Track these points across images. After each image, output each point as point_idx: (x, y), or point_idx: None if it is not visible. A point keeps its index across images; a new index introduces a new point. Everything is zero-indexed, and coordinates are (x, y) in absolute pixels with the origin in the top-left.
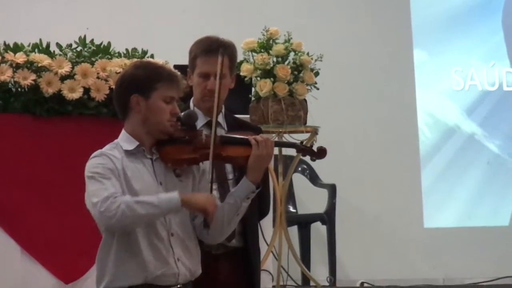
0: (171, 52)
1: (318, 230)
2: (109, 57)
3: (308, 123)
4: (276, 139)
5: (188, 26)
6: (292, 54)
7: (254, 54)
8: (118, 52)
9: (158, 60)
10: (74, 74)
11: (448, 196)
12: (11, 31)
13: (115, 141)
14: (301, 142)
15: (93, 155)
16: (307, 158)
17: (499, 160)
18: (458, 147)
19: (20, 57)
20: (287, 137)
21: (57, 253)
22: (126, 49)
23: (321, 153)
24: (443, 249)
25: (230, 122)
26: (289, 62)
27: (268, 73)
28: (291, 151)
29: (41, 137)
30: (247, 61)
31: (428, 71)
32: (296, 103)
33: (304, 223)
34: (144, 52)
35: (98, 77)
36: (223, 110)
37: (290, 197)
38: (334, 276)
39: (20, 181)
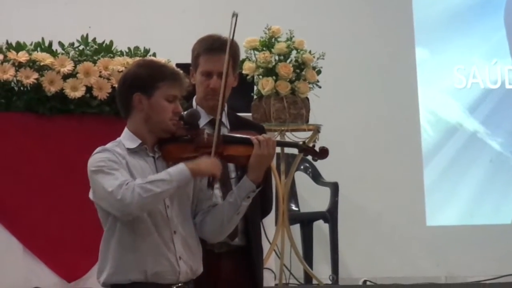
0: (173, 51)
1: (321, 228)
2: (111, 55)
3: (310, 121)
4: (278, 137)
5: (190, 24)
6: (294, 52)
7: (256, 52)
8: (120, 51)
9: (161, 58)
10: (77, 73)
11: (450, 194)
12: (14, 30)
13: (118, 139)
14: (303, 142)
15: (95, 151)
16: (309, 157)
17: (502, 158)
18: (460, 145)
19: (22, 56)
20: (289, 135)
21: (60, 251)
22: (128, 48)
23: (323, 153)
24: (445, 247)
25: (232, 121)
26: (291, 60)
27: (270, 72)
28: (294, 149)
29: (44, 136)
30: (249, 60)
31: (430, 69)
32: (298, 101)
33: (306, 221)
34: (146, 51)
35: (100, 76)
36: (226, 108)
37: (293, 195)
38: (336, 274)
39: (22, 179)
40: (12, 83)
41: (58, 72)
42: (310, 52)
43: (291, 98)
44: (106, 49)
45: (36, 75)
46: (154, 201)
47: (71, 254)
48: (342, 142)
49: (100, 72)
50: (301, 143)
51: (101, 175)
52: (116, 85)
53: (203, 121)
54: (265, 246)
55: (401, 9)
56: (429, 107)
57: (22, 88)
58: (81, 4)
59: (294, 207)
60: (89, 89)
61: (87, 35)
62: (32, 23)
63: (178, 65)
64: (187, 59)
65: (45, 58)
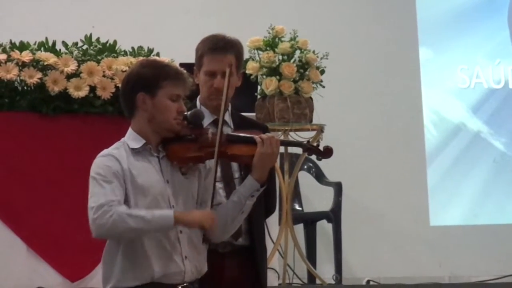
0: (177, 50)
1: (324, 228)
2: (115, 55)
3: (314, 121)
4: (282, 137)
5: (193, 24)
6: (298, 52)
7: (260, 52)
8: (124, 51)
9: (164, 58)
10: (80, 73)
11: (454, 194)
12: (17, 30)
13: (122, 139)
14: (308, 141)
15: (99, 154)
16: (313, 157)
17: (505, 158)
18: (464, 145)
19: (26, 56)
20: (292, 135)
21: (63, 251)
22: (132, 48)
23: (328, 152)
24: (449, 247)
25: (236, 120)
26: (295, 60)
27: (274, 71)
28: (297, 149)
29: (47, 136)
30: (253, 59)
31: (434, 69)
32: (302, 101)
33: (310, 221)
34: (150, 50)
35: (104, 76)
36: (229, 108)
37: (296, 195)
38: (340, 274)
39: (26, 179)
40: (16, 82)
41: (62, 71)
42: (313, 51)
43: (294, 98)
44: (110, 49)
45: (39, 75)
46: (126, 233)
47: (75, 254)
48: (345, 142)
49: (104, 71)
50: (305, 142)
51: (93, 184)
52: (119, 85)
53: (206, 120)
54: (269, 246)
55: (404, 9)
56: (432, 107)
57: (25, 88)
58: (85, 4)
59: (297, 207)
60: (92, 88)
61: (90, 34)
62: (36, 23)
63: (181, 64)
64: (191, 58)
65: (49, 58)
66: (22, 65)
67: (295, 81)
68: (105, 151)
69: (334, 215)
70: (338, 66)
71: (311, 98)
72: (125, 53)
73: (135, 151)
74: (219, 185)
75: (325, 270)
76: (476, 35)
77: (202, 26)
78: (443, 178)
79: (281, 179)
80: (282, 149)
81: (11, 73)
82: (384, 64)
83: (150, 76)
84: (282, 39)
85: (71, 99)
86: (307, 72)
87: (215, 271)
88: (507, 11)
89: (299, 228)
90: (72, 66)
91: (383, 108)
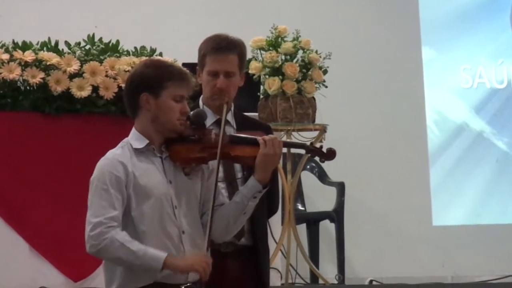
0: (179, 50)
1: (327, 228)
2: (118, 55)
3: (317, 121)
4: (285, 137)
5: (196, 24)
6: (300, 52)
7: (262, 52)
8: (127, 50)
9: (167, 58)
10: (83, 72)
11: (456, 194)
12: (20, 30)
13: (125, 139)
14: (311, 143)
15: (105, 156)
16: (316, 158)
17: (508, 158)
18: (466, 145)
19: (28, 56)
20: (295, 135)
21: (66, 251)
22: (135, 47)
23: (331, 154)
24: (451, 247)
25: (239, 120)
26: (297, 60)
27: (276, 71)
28: (300, 150)
29: (50, 135)
30: (256, 59)
31: (437, 69)
32: (304, 101)
33: (312, 221)
34: (153, 50)
35: (106, 75)
36: (232, 108)
37: (299, 195)
38: (342, 274)
39: (28, 179)
40: (18, 82)
41: (65, 71)
42: (316, 51)
43: (297, 98)
44: (113, 49)
45: (42, 75)
46: (113, 261)
47: (77, 253)
48: (348, 142)
49: (107, 71)
50: (308, 144)
51: (93, 190)
52: (122, 85)
53: (209, 121)
54: (271, 245)
55: (407, 9)
56: (435, 106)
57: (28, 88)
58: (88, 4)
59: (300, 207)
60: (95, 88)
61: (93, 34)
62: (39, 23)
63: (184, 64)
64: (194, 58)
65: (51, 58)
66: (25, 65)
67: (298, 81)
68: (109, 154)
69: (336, 215)
70: (340, 66)
71: (313, 98)
72: (128, 53)
73: (138, 151)
74: (221, 185)
75: (328, 270)
76: (479, 35)
77: (205, 26)
78: (446, 178)
79: (284, 179)
80: (284, 149)
81: (14, 73)
82: (387, 64)
83: (154, 76)
84: (285, 39)
85: (73, 99)
86: (309, 72)
87: (217, 271)
88: (510, 11)
89: (302, 228)
90: (74, 66)
91: (385, 108)
